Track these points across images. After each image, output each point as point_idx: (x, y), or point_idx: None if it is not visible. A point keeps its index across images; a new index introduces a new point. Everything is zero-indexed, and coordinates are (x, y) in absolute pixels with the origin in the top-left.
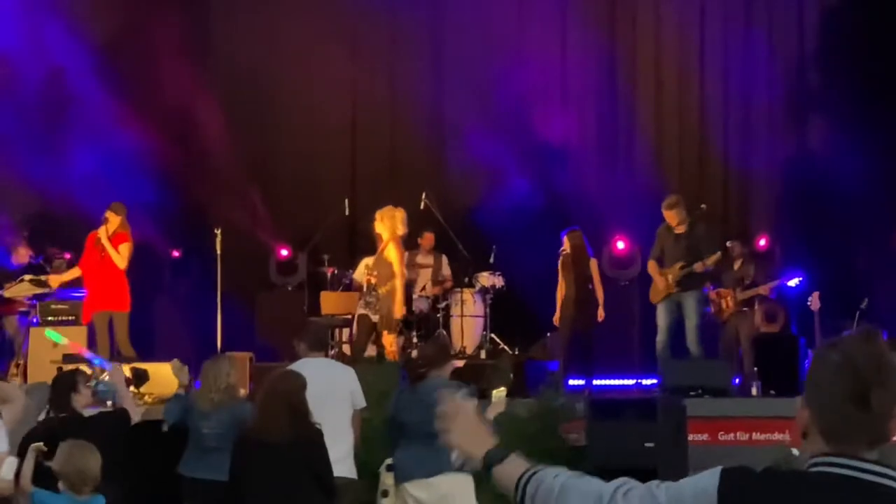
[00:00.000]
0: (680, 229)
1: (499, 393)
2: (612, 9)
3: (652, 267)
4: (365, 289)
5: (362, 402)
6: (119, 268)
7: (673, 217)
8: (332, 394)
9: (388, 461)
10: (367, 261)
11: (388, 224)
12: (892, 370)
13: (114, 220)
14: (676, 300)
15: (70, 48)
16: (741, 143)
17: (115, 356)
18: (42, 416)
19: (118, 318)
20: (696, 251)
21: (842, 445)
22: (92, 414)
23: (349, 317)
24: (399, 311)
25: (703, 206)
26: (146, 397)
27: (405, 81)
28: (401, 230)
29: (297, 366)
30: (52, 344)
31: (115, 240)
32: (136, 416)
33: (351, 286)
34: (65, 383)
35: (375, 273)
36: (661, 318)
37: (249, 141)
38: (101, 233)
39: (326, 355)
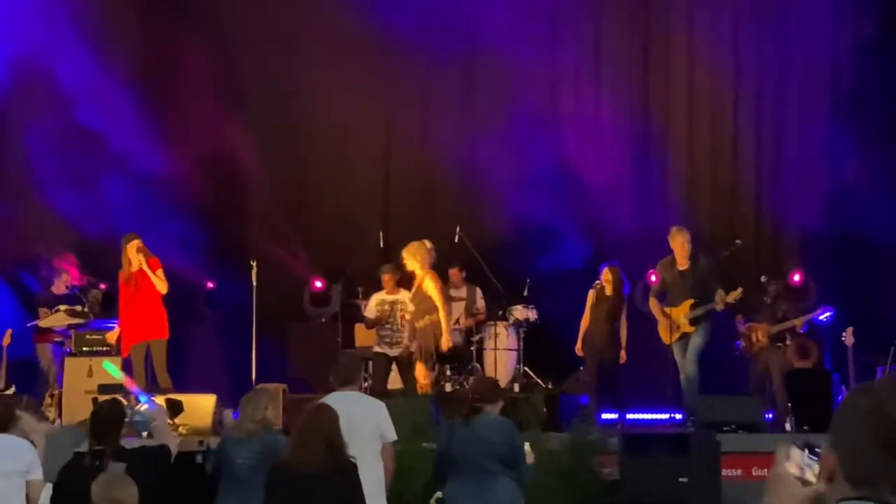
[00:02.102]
0: (683, 265)
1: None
2: (645, 51)
3: (654, 305)
4: (386, 327)
5: (392, 436)
6: (160, 293)
7: (683, 246)
8: (358, 427)
9: (438, 495)
10: (379, 296)
11: (419, 259)
12: None
13: (142, 248)
14: (689, 335)
15: (106, 83)
16: (774, 178)
17: (152, 386)
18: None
19: (156, 346)
20: (704, 286)
21: (868, 490)
22: (133, 446)
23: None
24: (446, 343)
25: (737, 241)
26: (181, 428)
27: (438, 115)
28: (430, 261)
29: (327, 399)
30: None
31: (151, 265)
32: (174, 451)
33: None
34: (114, 414)
35: (411, 309)
36: (681, 357)
37: (284, 173)
38: (139, 264)
39: (359, 389)
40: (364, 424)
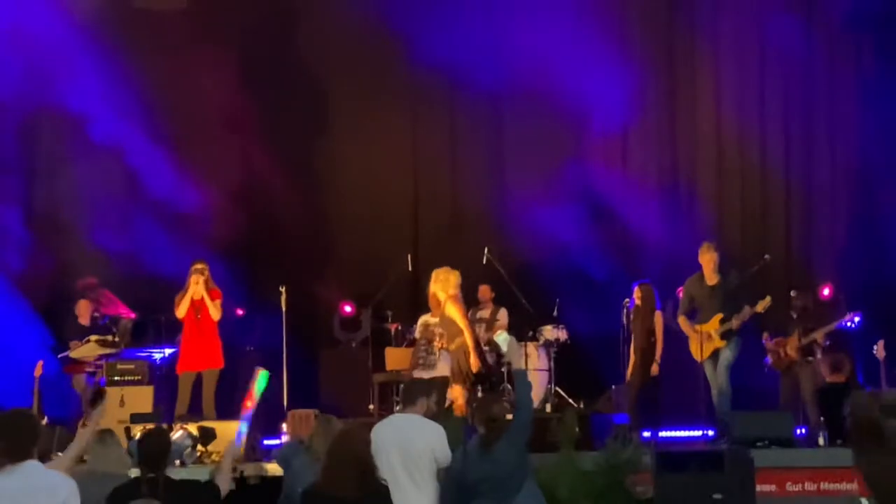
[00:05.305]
0: (712, 280)
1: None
2: (671, 70)
3: (683, 322)
4: (421, 349)
5: (447, 461)
6: (214, 321)
7: (711, 262)
8: (415, 450)
9: None
10: (424, 319)
11: (442, 285)
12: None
13: (207, 274)
14: (719, 350)
15: (138, 119)
16: (804, 193)
17: (193, 414)
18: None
19: (210, 376)
20: (733, 301)
21: None
22: (183, 479)
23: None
24: (476, 364)
25: (766, 256)
26: (213, 455)
27: (466, 141)
28: (453, 291)
29: (386, 421)
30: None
31: (211, 294)
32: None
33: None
34: (163, 443)
35: (442, 332)
36: (712, 373)
37: (312, 198)
38: (201, 288)
39: (420, 412)
40: (421, 446)
